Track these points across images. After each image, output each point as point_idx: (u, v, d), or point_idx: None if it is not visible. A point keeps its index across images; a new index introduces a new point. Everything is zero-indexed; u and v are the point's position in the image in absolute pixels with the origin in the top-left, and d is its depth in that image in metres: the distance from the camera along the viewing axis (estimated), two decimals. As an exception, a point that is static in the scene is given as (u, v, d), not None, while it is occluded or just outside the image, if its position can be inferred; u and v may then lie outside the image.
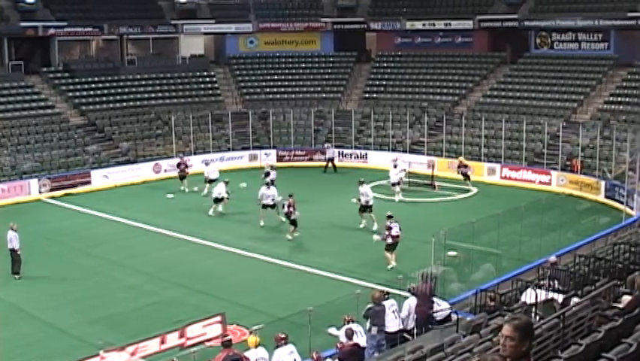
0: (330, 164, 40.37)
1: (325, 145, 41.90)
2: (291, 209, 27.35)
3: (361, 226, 28.54)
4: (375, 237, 24.57)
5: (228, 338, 15.35)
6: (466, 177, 35.92)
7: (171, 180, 37.30)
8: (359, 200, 28.61)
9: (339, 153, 41.79)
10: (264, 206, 29.32)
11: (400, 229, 24.02)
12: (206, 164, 35.92)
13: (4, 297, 22.34)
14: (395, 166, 34.70)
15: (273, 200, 29.23)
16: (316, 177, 39.12)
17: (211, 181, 33.96)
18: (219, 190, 31.37)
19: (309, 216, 28.94)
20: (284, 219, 28.77)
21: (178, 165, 36.49)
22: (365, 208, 28.55)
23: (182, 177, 36.13)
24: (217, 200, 31.40)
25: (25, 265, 24.05)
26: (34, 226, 30.04)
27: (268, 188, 29.87)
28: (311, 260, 24.93)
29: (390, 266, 23.64)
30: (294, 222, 27.50)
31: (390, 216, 24.34)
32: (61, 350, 18.54)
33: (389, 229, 23.88)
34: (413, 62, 48.67)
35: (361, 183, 29.20)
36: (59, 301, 22.05)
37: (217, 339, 16.10)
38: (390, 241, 23.84)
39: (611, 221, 28.17)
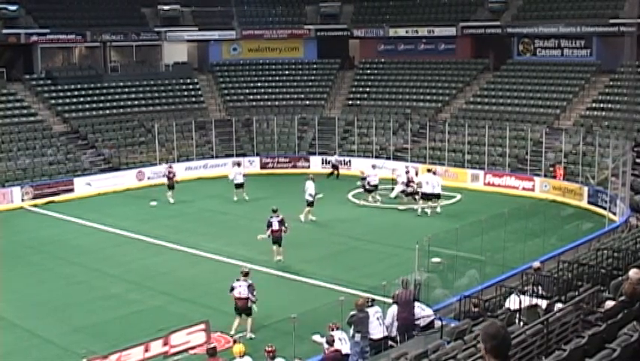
0: (335, 171, 39.87)
1: (336, 154, 41.49)
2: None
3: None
4: None
5: (213, 345, 15.32)
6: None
7: (155, 188, 37.22)
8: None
9: (322, 160, 41.69)
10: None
11: (281, 223, 24.87)
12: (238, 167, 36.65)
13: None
14: (407, 172, 34.39)
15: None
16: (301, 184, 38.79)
17: (237, 186, 34.70)
18: (310, 191, 30.53)
19: (293, 224, 28.78)
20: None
21: (168, 175, 34.97)
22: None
23: (170, 187, 34.68)
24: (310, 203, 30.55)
25: (7, 273, 23.83)
26: (16, 234, 29.94)
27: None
28: (295, 267, 24.85)
29: (276, 259, 25.01)
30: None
31: (274, 210, 25.22)
32: (44, 358, 18.45)
33: (270, 224, 24.83)
34: (396, 68, 48.75)
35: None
36: (42, 309, 21.84)
37: (201, 347, 16.08)
38: (268, 235, 24.93)
39: (594, 227, 28.32)
